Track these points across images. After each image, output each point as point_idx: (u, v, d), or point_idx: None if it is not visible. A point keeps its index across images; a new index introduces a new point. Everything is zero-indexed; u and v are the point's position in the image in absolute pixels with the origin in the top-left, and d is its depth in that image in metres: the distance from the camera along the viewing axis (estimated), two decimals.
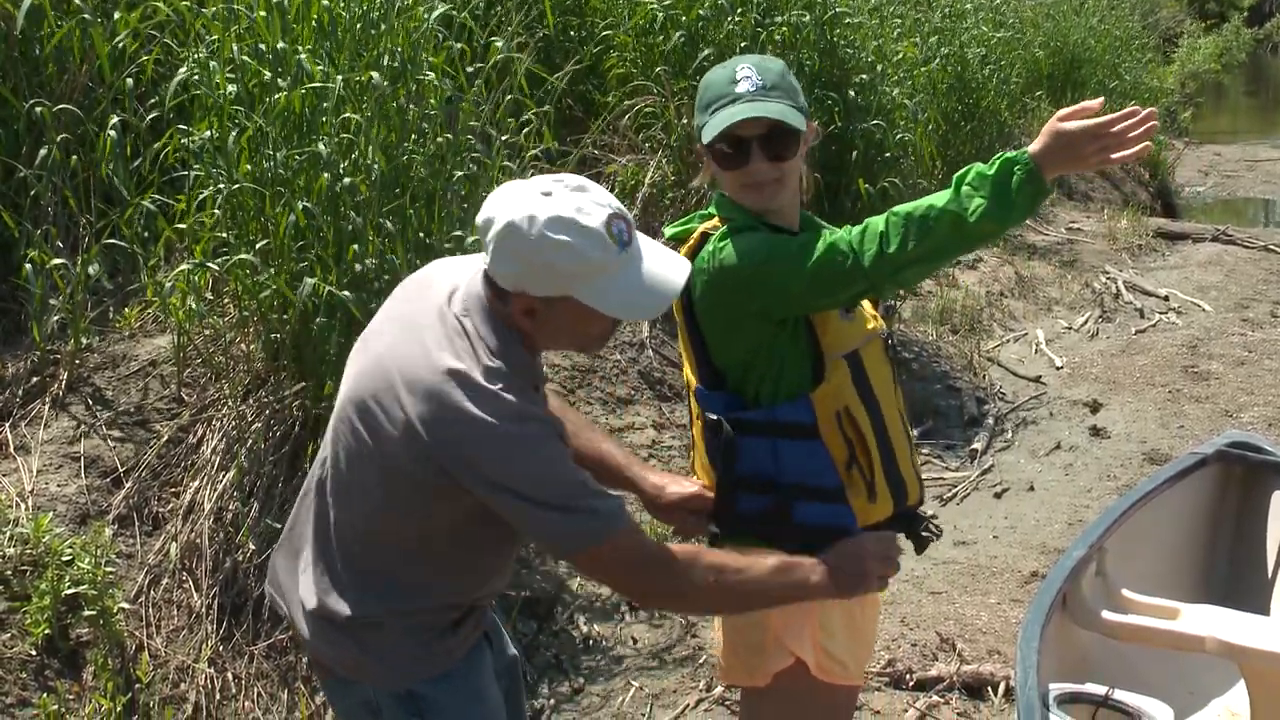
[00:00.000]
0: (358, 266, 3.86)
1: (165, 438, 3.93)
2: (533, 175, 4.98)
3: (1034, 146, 2.09)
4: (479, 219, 1.95)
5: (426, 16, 4.39)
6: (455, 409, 1.88)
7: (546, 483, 1.91)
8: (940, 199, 2.11)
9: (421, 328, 1.98)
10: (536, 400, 1.98)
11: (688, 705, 3.87)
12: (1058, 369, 7.32)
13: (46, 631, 3.29)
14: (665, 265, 2.00)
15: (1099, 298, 8.81)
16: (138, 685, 3.37)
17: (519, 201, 1.90)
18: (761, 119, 2.21)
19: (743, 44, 6.19)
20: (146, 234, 4.19)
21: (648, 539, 2.02)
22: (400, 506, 1.99)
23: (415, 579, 2.05)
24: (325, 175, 3.88)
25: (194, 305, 3.94)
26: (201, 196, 4.03)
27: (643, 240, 2.00)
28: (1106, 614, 3.20)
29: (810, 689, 2.37)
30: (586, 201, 1.90)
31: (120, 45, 4.47)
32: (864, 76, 6.74)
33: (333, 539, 2.08)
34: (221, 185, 3.94)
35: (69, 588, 3.34)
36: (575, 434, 2.34)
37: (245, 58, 4.06)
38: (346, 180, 3.91)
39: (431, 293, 2.04)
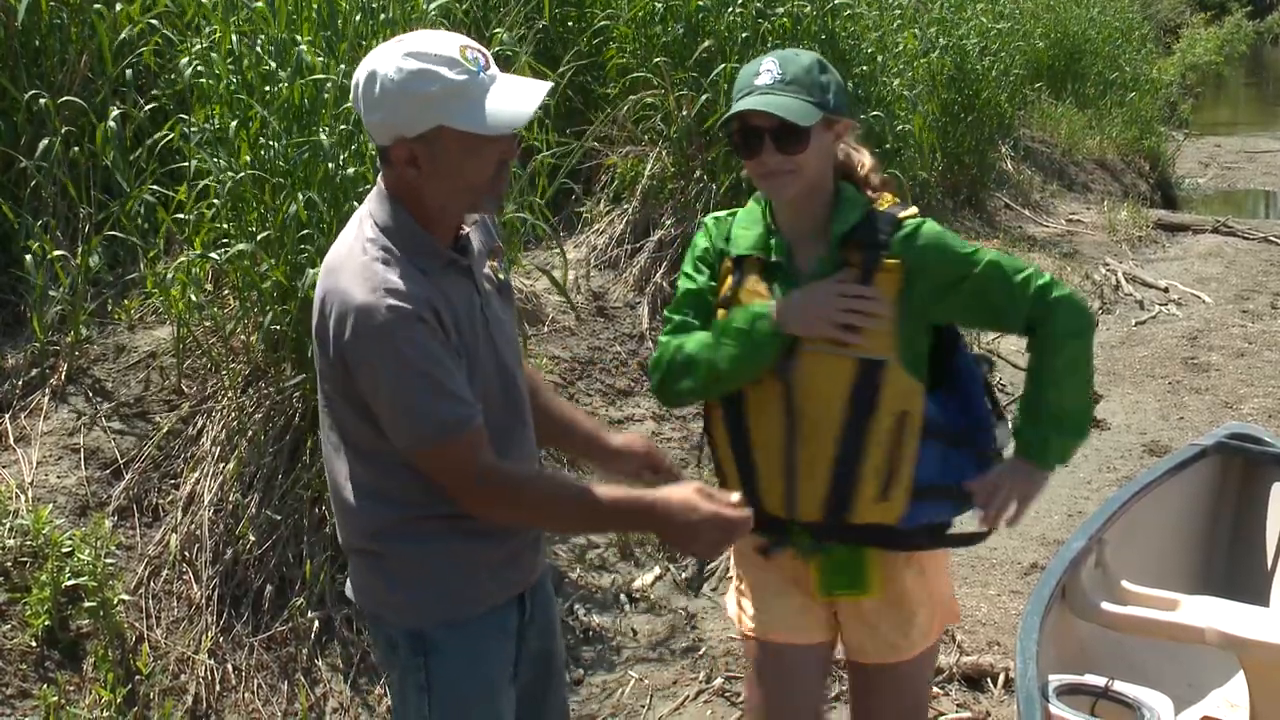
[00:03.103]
0: None
1: (165, 429, 3.93)
2: (533, 166, 5.02)
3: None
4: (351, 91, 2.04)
5: (426, 6, 4.39)
6: (335, 290, 1.96)
7: (398, 369, 1.94)
8: None
9: (340, 237, 2.08)
10: (417, 277, 1.97)
11: (687, 697, 3.87)
12: None
13: (46, 623, 3.29)
14: (525, 83, 2.04)
15: (1099, 289, 8.80)
16: (138, 677, 3.37)
17: (377, 53, 2.00)
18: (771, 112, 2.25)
19: (743, 35, 6.18)
20: (146, 225, 4.18)
21: (486, 454, 2.02)
22: (353, 416, 2.03)
23: (400, 487, 2.06)
24: (328, 165, 3.88)
25: (194, 297, 3.94)
26: (201, 185, 4.03)
27: (501, 73, 2.03)
28: (1106, 605, 3.20)
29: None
30: (438, 36, 2.00)
31: (121, 35, 4.47)
32: (865, 68, 6.73)
33: (333, 469, 2.12)
34: (223, 175, 3.94)
35: (69, 579, 3.34)
36: (546, 400, 2.40)
37: (249, 52, 4.05)
38: (349, 170, 3.91)
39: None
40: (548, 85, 2.05)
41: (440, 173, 1.99)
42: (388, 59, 1.95)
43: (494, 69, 2.00)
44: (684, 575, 4.55)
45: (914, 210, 2.38)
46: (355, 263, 1.96)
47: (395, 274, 1.94)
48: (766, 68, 2.29)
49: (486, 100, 1.96)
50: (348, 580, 2.24)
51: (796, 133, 2.26)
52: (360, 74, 1.99)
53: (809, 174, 2.31)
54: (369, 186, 3.90)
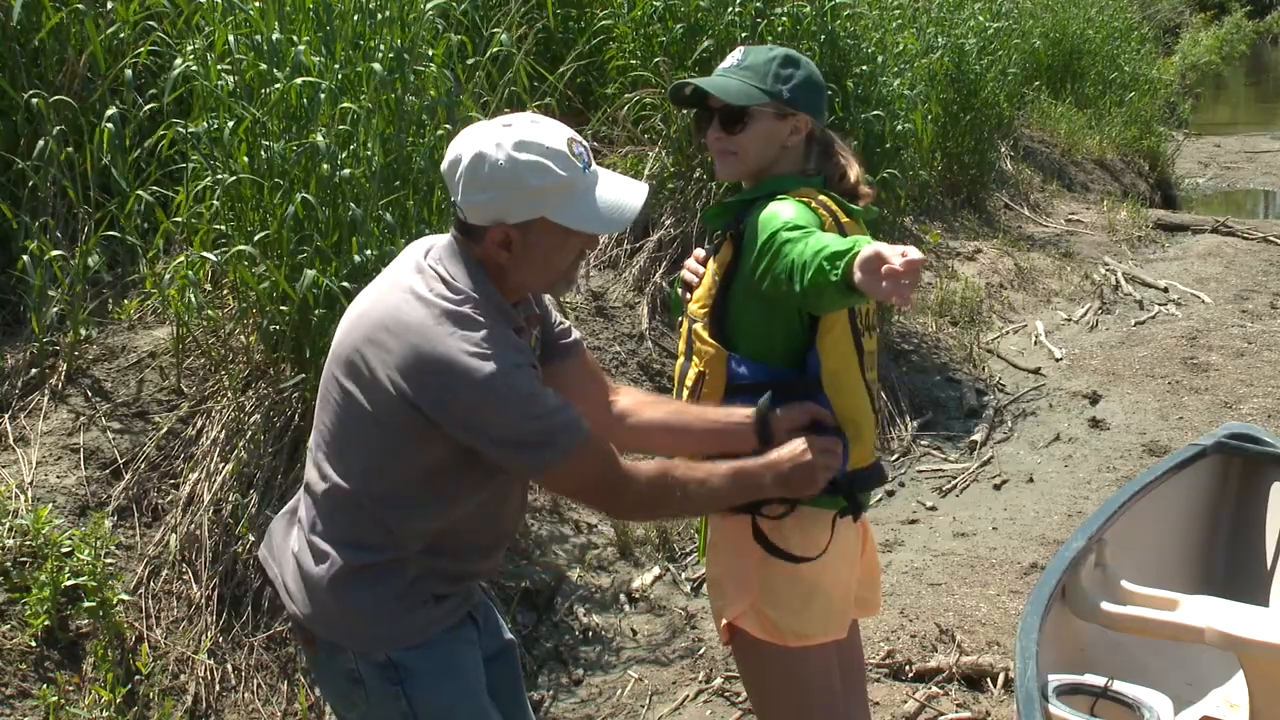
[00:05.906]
0: (357, 258, 3.86)
1: (164, 429, 3.93)
2: None
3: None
4: (445, 162, 2.06)
5: (423, 6, 4.38)
6: (427, 338, 1.97)
7: (506, 418, 1.99)
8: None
9: (399, 280, 2.09)
10: (506, 332, 2.04)
11: (687, 697, 3.87)
12: (1057, 360, 7.32)
13: (46, 623, 3.29)
14: (625, 184, 2.12)
15: (1098, 289, 8.80)
16: (137, 676, 3.37)
17: (483, 134, 2.03)
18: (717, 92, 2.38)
19: (743, 35, 6.17)
20: (145, 225, 4.18)
21: (604, 458, 2.10)
22: (388, 455, 2.05)
23: (395, 535, 2.10)
24: (324, 166, 3.87)
25: (193, 297, 3.94)
26: (199, 187, 4.03)
27: (600, 169, 2.11)
28: (1106, 605, 3.20)
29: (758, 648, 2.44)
30: (545, 127, 2.05)
31: (119, 36, 4.46)
32: (865, 67, 6.73)
33: (321, 501, 2.14)
34: (220, 176, 3.94)
35: (68, 579, 3.34)
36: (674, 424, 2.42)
37: (243, 54, 4.05)
38: (345, 171, 3.91)
39: (409, 256, 2.15)
40: (646, 188, 2.14)
41: (530, 259, 2.06)
42: (497, 145, 1.99)
43: (595, 165, 2.08)
44: (684, 575, 4.56)
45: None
46: (445, 315, 1.98)
47: (491, 328, 1.99)
48: (732, 54, 2.45)
49: (590, 198, 2.04)
50: (298, 607, 2.18)
51: (735, 113, 2.37)
52: (463, 151, 2.02)
53: (749, 158, 2.42)
54: (365, 187, 3.93)
